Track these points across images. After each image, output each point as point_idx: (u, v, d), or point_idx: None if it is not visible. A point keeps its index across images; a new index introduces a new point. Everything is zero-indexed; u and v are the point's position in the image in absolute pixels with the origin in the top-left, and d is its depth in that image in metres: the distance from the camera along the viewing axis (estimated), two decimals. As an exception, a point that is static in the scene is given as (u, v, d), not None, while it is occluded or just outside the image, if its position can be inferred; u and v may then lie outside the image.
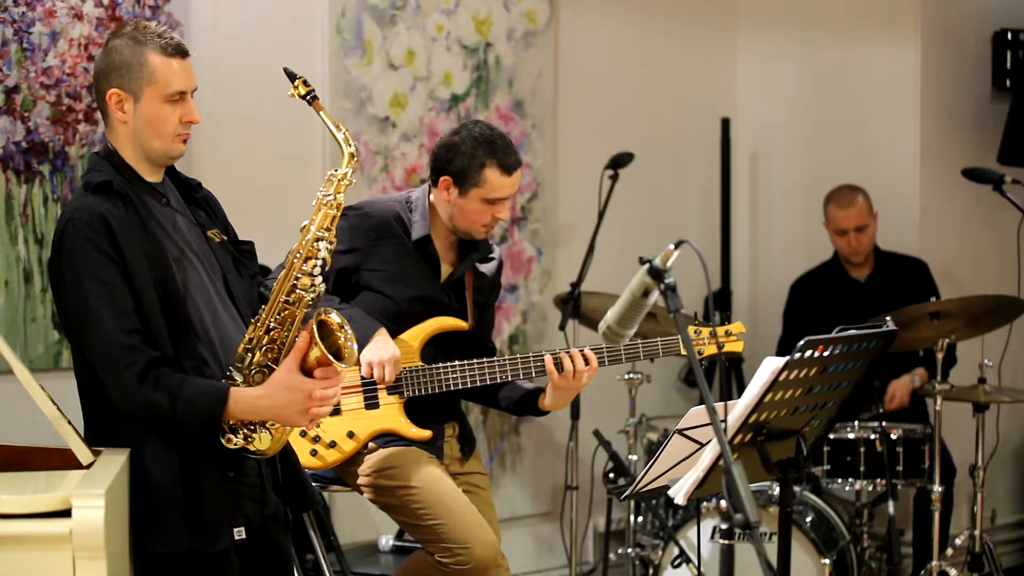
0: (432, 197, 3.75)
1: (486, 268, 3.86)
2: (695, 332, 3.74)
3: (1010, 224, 5.02)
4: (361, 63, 4.94)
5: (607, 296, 4.65)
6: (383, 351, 3.58)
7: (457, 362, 3.67)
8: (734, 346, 3.78)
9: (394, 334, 3.68)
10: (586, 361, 3.61)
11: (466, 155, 3.64)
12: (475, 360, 3.66)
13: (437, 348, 3.74)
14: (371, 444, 3.69)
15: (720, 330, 3.77)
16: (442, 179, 3.68)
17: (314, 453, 3.66)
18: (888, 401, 5.13)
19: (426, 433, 3.67)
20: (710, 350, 3.73)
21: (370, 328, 3.59)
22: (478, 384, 3.67)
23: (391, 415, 3.68)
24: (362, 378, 3.65)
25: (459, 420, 3.85)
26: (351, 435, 3.67)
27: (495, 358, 3.67)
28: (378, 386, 3.67)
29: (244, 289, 3.06)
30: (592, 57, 5.63)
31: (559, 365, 3.60)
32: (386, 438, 3.69)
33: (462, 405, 3.92)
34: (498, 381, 3.67)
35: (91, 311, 2.79)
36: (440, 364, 3.68)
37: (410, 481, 3.61)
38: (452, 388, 3.67)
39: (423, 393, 3.67)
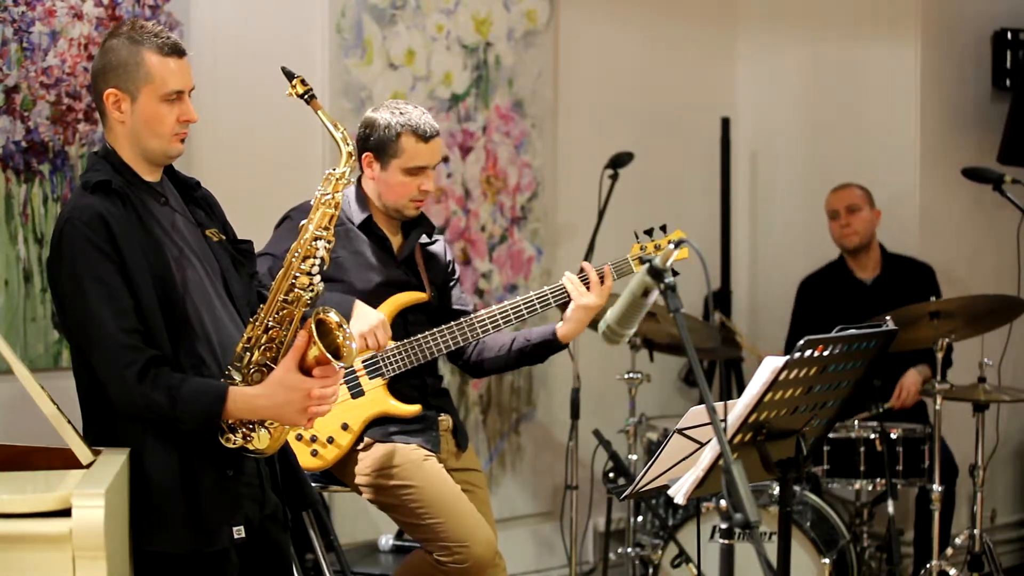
0: (363, 183, 3.79)
1: (434, 249, 3.90)
2: (640, 248, 3.79)
3: (1010, 224, 5.02)
4: (361, 63, 4.93)
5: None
6: (369, 319, 3.61)
7: (427, 332, 3.72)
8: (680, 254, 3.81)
9: None
10: (602, 280, 3.72)
11: (381, 127, 3.70)
12: (443, 326, 3.73)
13: (407, 324, 3.77)
14: (366, 439, 3.70)
15: (663, 241, 3.80)
16: (364, 156, 3.74)
17: (315, 453, 3.67)
18: (897, 397, 5.08)
19: (415, 408, 3.71)
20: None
21: (346, 304, 3.63)
22: (451, 348, 3.73)
23: (378, 399, 3.71)
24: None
25: (451, 413, 3.87)
26: (345, 427, 3.68)
27: (459, 320, 3.74)
28: (358, 373, 3.69)
29: (243, 288, 3.07)
30: (592, 57, 5.62)
31: (585, 280, 3.72)
32: (381, 428, 3.70)
33: (454, 399, 3.93)
34: (469, 340, 3.73)
35: (90, 311, 2.79)
36: (410, 338, 3.72)
37: (409, 480, 3.63)
38: (429, 357, 3.72)
39: (403, 369, 3.72)
